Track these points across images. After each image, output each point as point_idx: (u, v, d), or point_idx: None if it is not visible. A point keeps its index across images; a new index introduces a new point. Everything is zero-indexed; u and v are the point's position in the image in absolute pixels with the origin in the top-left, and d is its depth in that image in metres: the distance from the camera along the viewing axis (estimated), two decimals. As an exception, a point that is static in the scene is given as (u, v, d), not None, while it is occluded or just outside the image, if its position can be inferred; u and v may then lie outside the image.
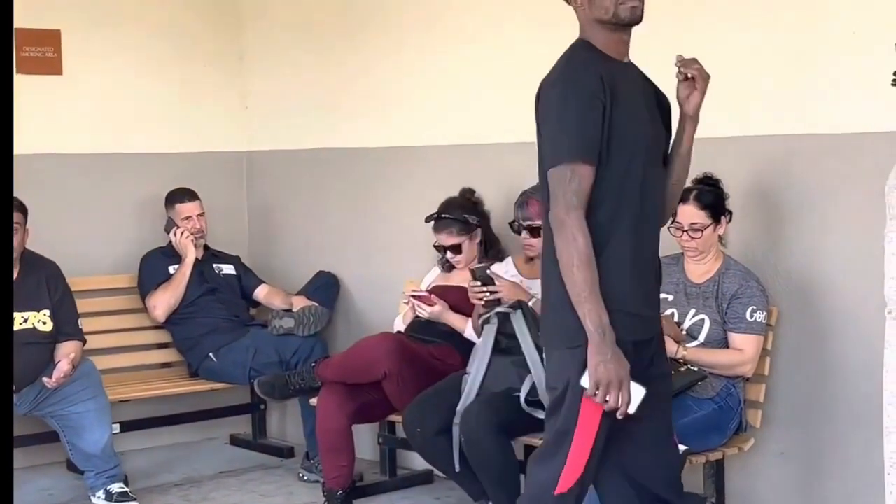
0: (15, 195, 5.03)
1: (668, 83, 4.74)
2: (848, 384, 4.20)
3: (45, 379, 4.94)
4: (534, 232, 4.57)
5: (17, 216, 4.99)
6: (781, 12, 4.30)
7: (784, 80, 4.31)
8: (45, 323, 5.08)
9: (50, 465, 5.66)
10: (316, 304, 5.71)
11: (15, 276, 5.03)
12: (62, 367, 4.95)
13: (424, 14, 5.55)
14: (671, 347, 4.09)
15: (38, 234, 5.23)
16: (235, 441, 6.20)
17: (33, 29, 5.79)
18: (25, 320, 5.03)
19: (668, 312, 4.21)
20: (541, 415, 4.32)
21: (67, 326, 5.13)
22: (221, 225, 6.18)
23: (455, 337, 4.91)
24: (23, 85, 5.75)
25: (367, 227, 5.87)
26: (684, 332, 4.18)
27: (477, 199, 5.12)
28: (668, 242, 4.31)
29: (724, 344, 4.18)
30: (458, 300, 4.93)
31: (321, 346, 5.62)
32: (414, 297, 4.96)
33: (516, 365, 4.35)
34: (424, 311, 4.93)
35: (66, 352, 5.05)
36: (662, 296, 4.27)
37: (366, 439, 5.37)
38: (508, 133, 5.21)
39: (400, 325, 5.16)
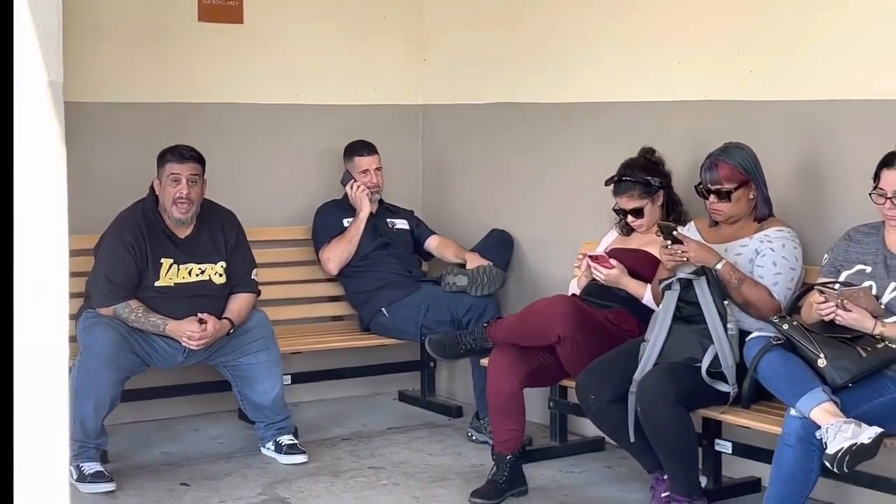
0: (194, 146, 5.07)
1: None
2: None
3: (184, 341, 4.83)
4: (722, 196, 4.35)
5: (196, 167, 4.97)
6: None
7: None
8: (220, 275, 5.03)
9: (221, 414, 5.69)
10: (490, 264, 5.58)
11: (191, 229, 5.04)
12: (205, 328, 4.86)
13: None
14: (868, 323, 3.85)
15: (216, 183, 5.22)
16: (404, 398, 6.15)
17: (216, -23, 5.79)
18: (202, 272, 5.00)
19: (866, 284, 3.95)
20: (724, 387, 4.14)
21: (238, 278, 5.07)
22: (396, 178, 6.11)
23: (632, 302, 4.73)
24: (204, 32, 5.78)
25: (543, 184, 5.72)
26: (883, 307, 3.91)
27: (658, 159, 4.91)
28: (868, 210, 4.04)
29: (927, 321, 3.89)
30: (636, 264, 4.76)
31: (494, 305, 5.50)
32: (591, 257, 4.79)
33: (698, 334, 4.17)
34: (601, 274, 4.76)
35: (232, 307, 4.99)
36: (860, 266, 4.02)
37: (535, 402, 5.23)
38: (691, 90, 4.99)
39: (575, 287, 5.00)
